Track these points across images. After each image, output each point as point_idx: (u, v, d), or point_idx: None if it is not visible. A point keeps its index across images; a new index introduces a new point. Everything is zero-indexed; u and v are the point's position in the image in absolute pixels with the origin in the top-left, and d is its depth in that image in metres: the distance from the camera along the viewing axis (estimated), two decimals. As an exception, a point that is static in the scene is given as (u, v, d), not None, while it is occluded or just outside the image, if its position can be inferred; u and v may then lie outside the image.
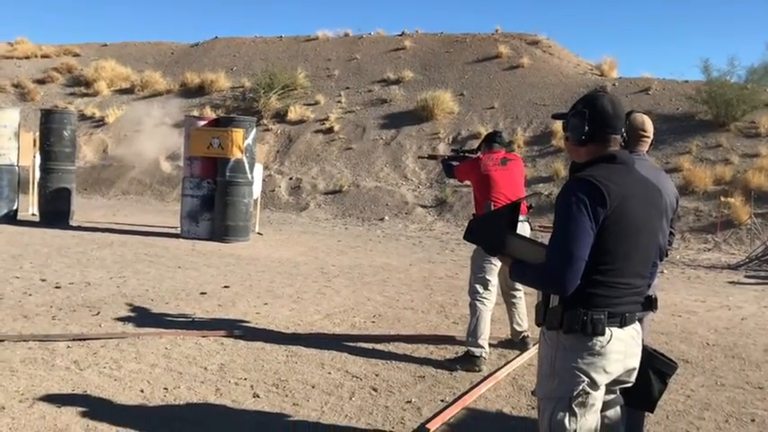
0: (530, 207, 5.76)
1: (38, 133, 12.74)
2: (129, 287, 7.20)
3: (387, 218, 15.18)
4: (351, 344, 5.46)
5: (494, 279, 5.13)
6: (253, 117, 13.39)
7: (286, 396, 4.26)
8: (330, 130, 19.40)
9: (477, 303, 5.04)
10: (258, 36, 26.57)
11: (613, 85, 19.03)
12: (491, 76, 20.75)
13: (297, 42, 25.33)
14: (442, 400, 4.33)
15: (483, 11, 69.21)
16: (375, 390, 4.46)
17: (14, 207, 12.19)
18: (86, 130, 20.97)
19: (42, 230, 11.16)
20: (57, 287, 6.97)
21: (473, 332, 5.01)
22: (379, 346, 5.45)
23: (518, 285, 5.38)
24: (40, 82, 24.76)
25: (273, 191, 17.10)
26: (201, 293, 7.03)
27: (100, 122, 21.80)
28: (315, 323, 6.15)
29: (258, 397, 4.22)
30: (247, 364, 4.80)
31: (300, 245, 11.33)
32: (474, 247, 4.99)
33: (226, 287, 7.44)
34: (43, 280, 7.28)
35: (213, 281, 7.77)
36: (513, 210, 2.63)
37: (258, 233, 12.25)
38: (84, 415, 3.77)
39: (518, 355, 5.33)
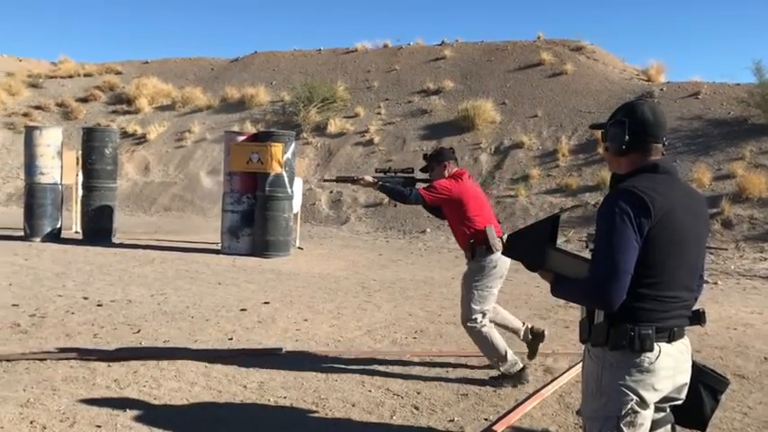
0: None
1: (80, 151, 12.94)
2: (170, 304, 7.20)
3: (428, 230, 15.02)
4: (392, 360, 5.34)
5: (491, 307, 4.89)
6: (292, 131, 13.42)
7: (326, 415, 4.17)
8: (370, 143, 19.37)
9: (483, 329, 4.76)
10: (297, 49, 26.77)
11: (661, 90, 18.60)
12: (534, 84, 20.49)
13: (336, 55, 25.43)
14: (486, 419, 4.19)
15: (524, 18, 68.84)
16: (417, 408, 4.34)
17: (58, 225, 12.38)
18: (128, 148, 21.30)
19: (85, 248, 11.30)
20: (99, 305, 7.00)
21: (497, 354, 4.76)
22: (420, 363, 5.32)
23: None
24: (83, 100, 25.28)
25: (314, 204, 17.11)
26: (242, 310, 6.99)
27: (141, 139, 22.14)
28: (355, 339, 6.05)
29: (297, 415, 4.13)
30: (287, 382, 4.73)
31: (341, 259, 11.26)
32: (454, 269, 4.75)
33: (266, 303, 7.39)
34: (85, 298, 7.33)
35: (253, 297, 7.73)
36: (553, 223, 2.52)
37: (299, 248, 12.22)
38: (122, 436, 3.73)
39: (564, 372, 5.14)
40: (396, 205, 5.20)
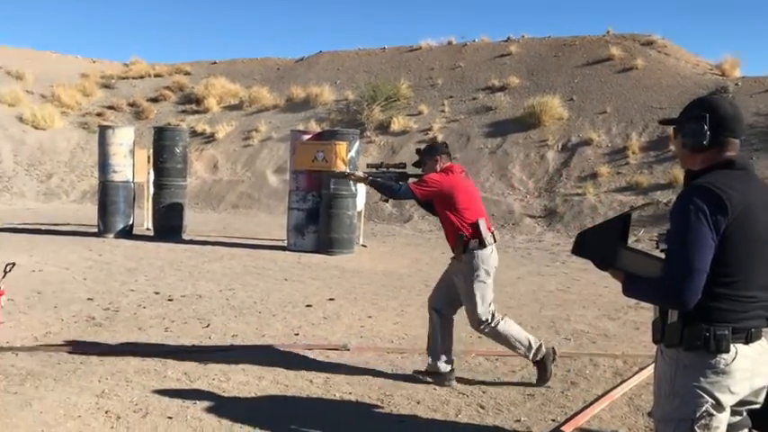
0: None
1: (151, 150, 13.31)
2: (238, 299, 7.33)
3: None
4: (457, 359, 5.30)
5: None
6: (356, 129, 13.49)
7: (391, 411, 4.16)
8: (434, 140, 19.31)
9: (499, 326, 4.65)
10: (361, 48, 26.89)
11: (736, 84, 17.93)
12: (602, 80, 20.04)
13: (400, 53, 25.45)
14: (553, 420, 4.12)
15: (593, 12, 67.47)
16: (482, 407, 4.29)
17: (130, 222, 12.76)
18: (197, 147, 21.80)
19: (156, 244, 11.62)
20: (169, 300, 7.19)
21: (523, 345, 4.65)
22: (486, 362, 5.27)
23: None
24: (154, 100, 25.99)
25: (377, 203, 17.13)
26: (307, 306, 7.07)
27: (210, 138, 22.63)
28: (419, 337, 6.02)
29: (363, 411, 4.15)
30: (352, 378, 4.75)
31: (404, 257, 11.25)
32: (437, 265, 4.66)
33: (331, 300, 7.45)
34: (157, 293, 7.53)
35: (318, 293, 7.80)
36: (624, 221, 2.46)
37: (362, 245, 12.28)
38: (194, 427, 3.81)
39: (635, 374, 5.01)
40: (387, 200, 5.11)
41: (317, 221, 11.29)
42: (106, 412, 3.96)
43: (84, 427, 3.73)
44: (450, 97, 21.42)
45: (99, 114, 24.56)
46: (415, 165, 4.98)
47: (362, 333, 6.07)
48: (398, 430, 3.93)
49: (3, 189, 19.94)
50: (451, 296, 4.81)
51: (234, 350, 5.32)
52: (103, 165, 12.73)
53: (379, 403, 4.30)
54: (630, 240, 2.80)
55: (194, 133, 21.92)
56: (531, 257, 11.76)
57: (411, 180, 4.83)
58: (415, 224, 15.89)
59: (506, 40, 24.05)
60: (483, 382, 4.78)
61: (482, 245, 4.61)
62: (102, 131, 13.04)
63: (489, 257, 4.66)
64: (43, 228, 13.25)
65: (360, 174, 5.01)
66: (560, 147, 17.67)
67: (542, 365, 4.71)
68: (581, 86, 20.07)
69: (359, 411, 4.18)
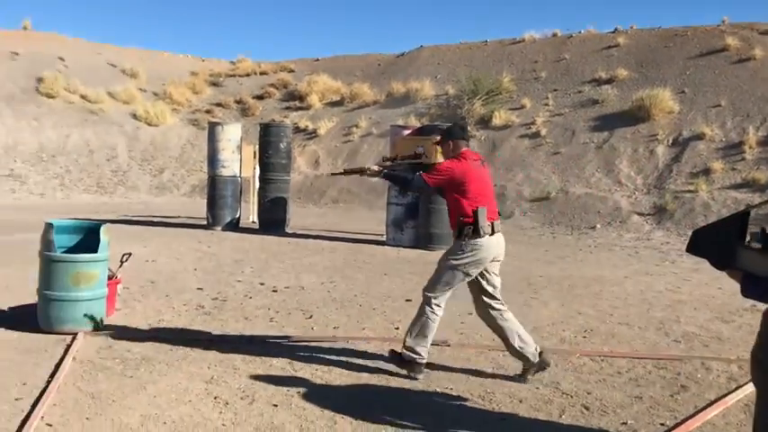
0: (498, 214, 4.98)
1: (257, 146, 13.69)
2: (339, 292, 7.43)
3: (598, 226, 14.44)
4: (560, 359, 5.17)
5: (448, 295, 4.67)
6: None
7: (492, 409, 4.11)
8: (536, 135, 18.92)
9: (429, 312, 4.63)
10: (463, 42, 26.71)
11: None
12: (716, 72, 19.05)
13: (502, 46, 25.09)
14: (662, 424, 3.96)
15: (706, 1, 64.15)
16: (587, 408, 4.17)
17: (237, 215, 13.20)
18: (300, 142, 22.27)
19: (261, 237, 11.96)
20: (274, 291, 7.38)
21: (418, 338, 4.61)
22: (590, 363, 5.11)
23: (498, 296, 4.72)
24: (259, 97, 26.76)
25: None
26: (407, 300, 7.08)
27: (312, 134, 23.07)
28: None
29: (464, 408, 4.11)
30: (453, 374, 4.73)
31: (505, 254, 11.05)
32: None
33: (432, 295, 7.42)
34: (262, 284, 7.75)
35: (417, 288, 7.72)
36: (742, 219, 2.31)
37: (463, 241, 12.17)
38: (298, 415, 3.89)
39: (750, 380, 4.72)
40: (406, 191, 4.98)
41: (416, 217, 11.29)
42: (215, 398, 4.10)
43: (194, 412, 3.87)
44: (555, 90, 20.94)
45: (208, 111, 25.53)
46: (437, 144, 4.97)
47: (463, 330, 6.02)
48: (499, 428, 3.87)
49: (118, 183, 21.06)
50: (474, 292, 4.80)
51: (335, 341, 5.39)
52: (212, 160, 13.21)
53: (480, 400, 4.25)
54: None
55: (297, 129, 22.40)
56: (639, 256, 11.33)
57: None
58: (517, 221, 15.62)
59: (614, 32, 23.28)
60: (588, 383, 4.63)
61: (476, 233, 4.54)
62: (212, 128, 13.53)
63: (482, 249, 4.57)
64: (156, 220, 13.90)
65: (375, 167, 5.00)
66: (671, 141, 16.92)
67: (408, 365, 4.64)
68: (693, 78, 19.15)
69: (460, 407, 4.15)
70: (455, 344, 5.49)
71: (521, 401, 4.25)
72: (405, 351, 4.64)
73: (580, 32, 24.24)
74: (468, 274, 4.62)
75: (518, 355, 4.63)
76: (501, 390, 4.44)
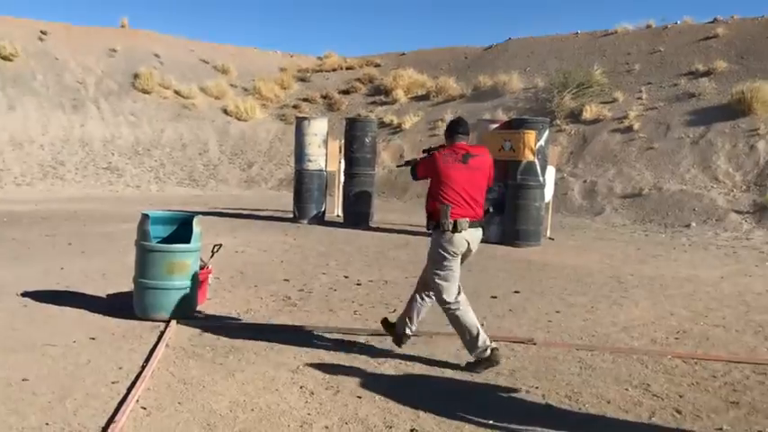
0: (486, 211, 4.92)
1: (342, 140, 13.82)
2: (423, 286, 7.41)
3: (693, 224, 13.85)
4: (650, 360, 5.00)
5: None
6: (546, 118, 13.11)
7: (579, 409, 4.01)
8: (629, 129, 18.31)
9: (418, 300, 4.98)
10: (553, 34, 26.15)
11: None
12: (825, 62, 17.95)
13: (594, 38, 24.43)
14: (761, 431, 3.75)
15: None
16: (679, 412, 4.02)
17: (322, 209, 13.38)
18: (385, 137, 22.35)
19: (345, 231, 12.09)
20: (358, 284, 7.44)
21: (401, 323, 4.95)
22: (683, 365, 4.92)
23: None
24: (345, 92, 27.03)
25: (566, 194, 16.61)
26: (492, 297, 7.00)
27: (397, 129, 23.11)
28: (610, 335, 5.76)
29: (550, 407, 4.03)
30: (539, 373, 4.64)
31: (595, 251, 10.79)
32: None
33: (516, 292, 7.33)
34: (346, 277, 7.84)
35: (503, 285, 7.70)
36: None
37: (549, 238, 11.96)
38: (381, 407, 3.91)
39: None
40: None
41: (503, 212, 11.14)
42: (301, 387, 4.17)
43: (281, 401, 3.95)
44: (649, 83, 20.22)
45: (295, 107, 26.01)
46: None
47: (549, 328, 5.91)
48: (587, 429, 3.78)
49: (209, 176, 21.74)
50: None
51: (419, 335, 5.39)
52: (299, 154, 13.43)
53: (566, 400, 4.16)
54: None
55: (382, 124, 22.49)
56: (737, 256, 10.81)
57: None
58: (608, 217, 15.19)
59: (712, 22, 22.27)
60: (680, 386, 4.46)
61: (437, 228, 4.65)
62: (299, 123, 13.76)
63: (446, 241, 4.64)
64: (244, 213, 14.27)
65: (411, 158, 5.27)
66: (774, 136, 16.05)
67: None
68: (800, 69, 18.10)
69: (545, 406, 4.07)
70: (541, 342, 5.39)
71: (608, 402, 4.14)
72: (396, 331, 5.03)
73: (676, 23, 23.32)
74: (447, 265, 4.71)
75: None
76: (588, 390, 4.33)
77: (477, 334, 4.62)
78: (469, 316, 4.70)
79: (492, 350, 4.62)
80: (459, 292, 4.75)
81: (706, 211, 14.35)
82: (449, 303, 4.69)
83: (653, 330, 5.97)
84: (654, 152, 17.06)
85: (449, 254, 4.66)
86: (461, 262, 4.79)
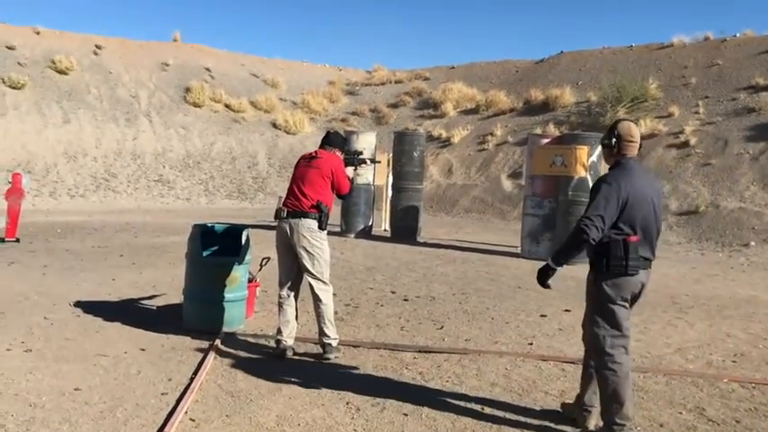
0: (315, 207, 5.11)
1: (391, 154, 13.83)
2: (471, 304, 7.34)
3: (753, 243, 13.40)
4: (706, 384, 4.84)
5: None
6: (598, 133, 12.89)
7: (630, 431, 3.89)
8: (685, 144, 17.88)
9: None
10: (606, 47, 25.79)
11: None
12: None
13: (648, 51, 24.01)
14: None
15: None
16: (736, 440, 3.86)
17: (369, 223, 13.40)
18: (433, 151, 22.30)
19: (392, 245, 12.06)
20: (405, 300, 7.41)
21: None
22: (740, 390, 4.74)
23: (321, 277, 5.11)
24: (393, 106, 27.10)
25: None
26: (542, 315, 6.89)
27: (446, 143, 23.05)
28: (664, 357, 5.60)
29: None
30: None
31: (650, 269, 10.49)
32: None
33: (567, 311, 7.19)
34: (393, 292, 7.80)
35: (554, 303, 7.56)
36: None
37: (602, 254, 11.69)
38: (428, 426, 3.87)
39: None
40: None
41: (554, 228, 10.98)
42: (347, 403, 4.16)
43: (327, 416, 3.94)
44: (706, 98, 19.74)
45: (343, 120, 26.20)
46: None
47: (600, 347, 5.76)
48: (639, 455, 3.66)
49: (258, 189, 22.00)
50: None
51: (467, 354, 5.32)
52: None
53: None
54: None
55: (431, 138, 22.47)
56: (799, 277, 10.42)
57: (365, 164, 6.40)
58: (662, 235, 14.66)
59: (773, 34, 21.70)
60: (737, 412, 4.29)
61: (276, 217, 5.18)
62: (348, 137, 13.82)
63: (277, 231, 5.16)
64: (293, 225, 14.33)
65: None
66: (838, 152, 15.48)
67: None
68: None
69: (596, 429, 3.95)
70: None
71: (661, 425, 4.03)
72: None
73: (735, 36, 22.76)
74: (277, 248, 5.18)
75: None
76: (640, 413, 4.21)
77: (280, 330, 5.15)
78: (286, 312, 5.17)
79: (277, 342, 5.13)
80: (286, 288, 5.18)
81: (766, 230, 13.88)
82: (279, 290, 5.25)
83: (709, 353, 5.78)
84: (711, 168, 16.62)
85: (277, 243, 5.25)
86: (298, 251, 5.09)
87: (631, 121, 3.95)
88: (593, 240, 3.56)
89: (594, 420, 3.89)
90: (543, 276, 3.84)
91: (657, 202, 3.82)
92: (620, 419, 3.65)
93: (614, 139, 3.79)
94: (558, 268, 3.76)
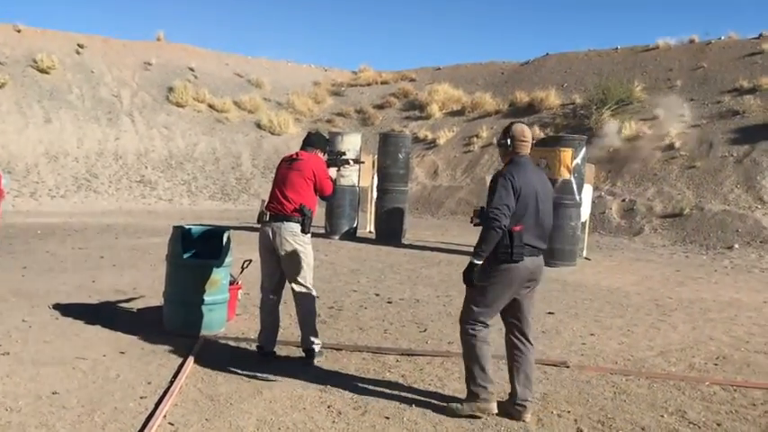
0: (298, 210, 5.02)
1: (376, 156, 13.79)
2: (455, 306, 7.29)
3: (736, 246, 13.49)
4: (688, 387, 4.85)
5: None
6: (583, 135, 12.94)
7: (612, 437, 3.89)
8: (670, 147, 17.97)
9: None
10: (591, 49, 25.89)
11: None
12: None
13: (634, 53, 24.13)
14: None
15: None
16: (717, 443, 3.87)
17: (354, 225, 13.36)
18: (419, 152, 22.28)
19: (377, 247, 12.04)
20: (389, 302, 7.38)
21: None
22: (721, 393, 4.76)
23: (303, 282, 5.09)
24: (379, 107, 27.04)
25: (603, 213, 16.36)
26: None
27: (431, 144, 23.04)
28: (647, 360, 5.60)
29: (581, 434, 3.92)
30: (571, 397, 4.53)
31: (632, 273, 10.56)
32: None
33: (550, 313, 7.19)
34: (377, 294, 7.77)
35: (537, 306, 7.46)
36: None
37: (586, 258, 11.76)
38: (409, 429, 3.86)
39: None
40: None
41: (538, 230, 10.97)
42: (328, 407, 4.12)
43: (308, 420, 3.91)
44: (691, 100, 19.85)
45: (329, 121, 26.10)
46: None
47: (583, 351, 5.77)
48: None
49: (241, 190, 21.88)
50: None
51: (450, 356, 5.30)
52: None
53: (599, 426, 4.04)
54: None
55: (416, 139, 22.45)
56: (781, 279, 10.50)
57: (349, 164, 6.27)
58: (646, 238, 14.90)
59: (758, 37, 21.88)
60: (718, 415, 4.30)
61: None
62: (332, 137, 13.78)
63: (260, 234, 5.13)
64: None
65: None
66: (821, 156, 15.61)
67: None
68: None
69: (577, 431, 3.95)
70: (575, 365, 5.27)
71: (643, 429, 4.03)
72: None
73: (720, 38, 22.93)
74: (260, 252, 5.16)
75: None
76: (622, 416, 4.21)
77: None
78: (269, 316, 5.23)
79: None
80: (268, 291, 5.19)
81: (750, 232, 13.98)
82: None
83: (691, 355, 5.80)
84: (696, 171, 16.72)
85: (260, 246, 5.17)
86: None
87: (523, 123, 4.35)
88: (505, 227, 3.92)
89: (530, 413, 4.11)
90: (469, 274, 4.12)
91: (544, 196, 4.18)
92: (483, 382, 4.06)
93: (509, 140, 4.18)
94: (479, 263, 4.06)
